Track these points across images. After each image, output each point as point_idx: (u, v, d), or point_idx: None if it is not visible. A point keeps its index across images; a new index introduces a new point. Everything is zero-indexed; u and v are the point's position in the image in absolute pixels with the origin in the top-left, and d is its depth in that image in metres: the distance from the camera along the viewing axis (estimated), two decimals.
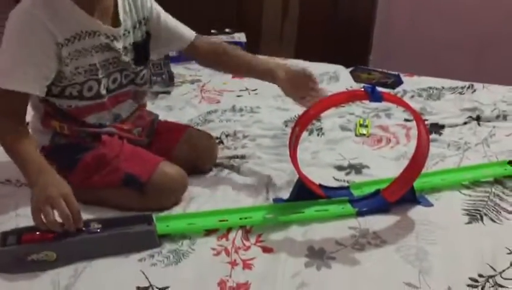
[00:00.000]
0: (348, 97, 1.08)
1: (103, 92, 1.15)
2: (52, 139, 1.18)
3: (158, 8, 1.26)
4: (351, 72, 0.97)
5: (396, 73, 0.96)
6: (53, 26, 1.05)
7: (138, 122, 1.27)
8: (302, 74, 1.24)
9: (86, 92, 1.13)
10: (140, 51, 1.22)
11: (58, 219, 0.96)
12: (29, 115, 1.19)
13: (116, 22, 1.15)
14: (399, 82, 1.01)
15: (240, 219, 1.10)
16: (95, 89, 1.14)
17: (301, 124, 1.07)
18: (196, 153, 1.29)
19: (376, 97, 1.03)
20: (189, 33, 1.30)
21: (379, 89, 1.07)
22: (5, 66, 1.05)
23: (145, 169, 1.14)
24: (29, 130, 1.15)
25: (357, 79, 0.95)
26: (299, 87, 1.22)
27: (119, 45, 1.15)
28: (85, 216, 1.02)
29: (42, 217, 0.95)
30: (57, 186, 0.97)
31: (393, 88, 1.00)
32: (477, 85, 1.86)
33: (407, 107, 1.08)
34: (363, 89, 1.05)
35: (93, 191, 1.15)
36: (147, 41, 1.24)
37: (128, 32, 1.18)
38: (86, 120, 1.17)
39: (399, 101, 1.09)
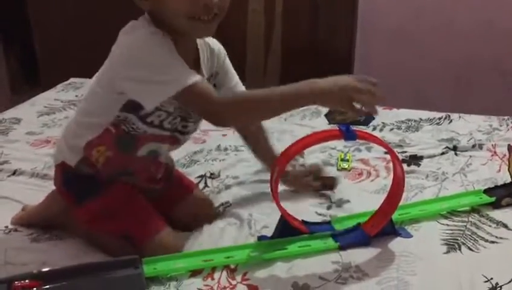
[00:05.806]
0: (323, 137, 1.12)
1: (167, 126, 1.18)
2: (77, 164, 1.20)
3: (227, 61, 1.32)
4: (325, 116, 1.02)
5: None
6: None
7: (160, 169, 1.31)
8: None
9: (155, 119, 1.16)
10: None
11: None
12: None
13: (198, 72, 1.17)
14: (370, 118, 1.07)
15: (225, 258, 1.13)
16: (163, 117, 1.16)
17: (280, 164, 1.12)
18: (194, 218, 1.34)
19: (350, 136, 1.08)
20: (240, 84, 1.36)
21: (354, 127, 1.12)
22: (169, 74, 1.06)
23: (143, 234, 1.18)
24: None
25: (331, 121, 1.01)
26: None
27: None
28: (76, 261, 1.05)
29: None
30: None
31: (366, 125, 1.06)
32: (453, 115, 1.93)
33: (379, 143, 1.13)
34: (337, 129, 1.10)
35: (93, 234, 1.21)
36: None
37: None
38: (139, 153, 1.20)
39: (371, 138, 1.14)
